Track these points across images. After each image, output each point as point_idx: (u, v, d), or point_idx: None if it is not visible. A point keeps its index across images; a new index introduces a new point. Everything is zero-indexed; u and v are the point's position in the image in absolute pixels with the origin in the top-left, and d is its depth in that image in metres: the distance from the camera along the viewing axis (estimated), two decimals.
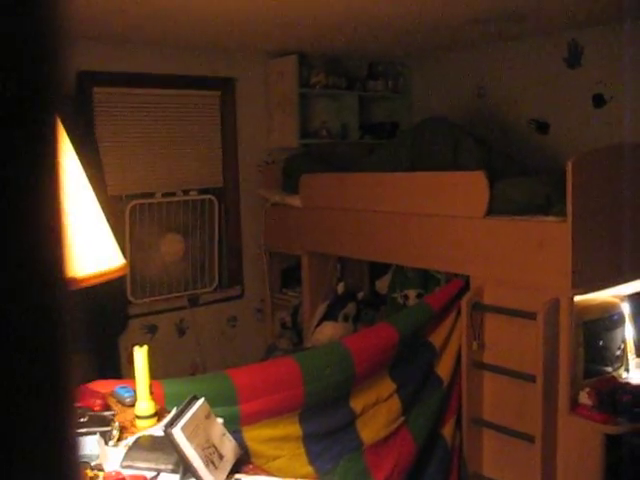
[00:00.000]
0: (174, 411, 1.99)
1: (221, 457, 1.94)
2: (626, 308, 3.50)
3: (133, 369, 2.20)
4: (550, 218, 3.22)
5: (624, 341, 3.47)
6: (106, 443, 2.02)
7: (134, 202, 4.54)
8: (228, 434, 2.06)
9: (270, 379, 2.97)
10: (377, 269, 4.80)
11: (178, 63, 4.66)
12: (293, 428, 3.00)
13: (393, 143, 4.50)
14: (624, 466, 3.22)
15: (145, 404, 2.19)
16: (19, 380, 0.38)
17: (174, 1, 3.39)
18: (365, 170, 4.34)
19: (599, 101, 4.44)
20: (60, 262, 0.41)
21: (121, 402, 2.35)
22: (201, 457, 1.85)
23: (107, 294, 3.84)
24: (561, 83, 4.65)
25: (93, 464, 1.91)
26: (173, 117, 4.71)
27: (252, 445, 2.81)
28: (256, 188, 5.06)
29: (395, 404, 3.43)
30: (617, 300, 3.48)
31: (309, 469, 3.02)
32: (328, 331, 4.26)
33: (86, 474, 1.84)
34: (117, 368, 4.38)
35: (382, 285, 4.71)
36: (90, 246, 1.47)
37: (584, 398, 3.19)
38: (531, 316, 3.23)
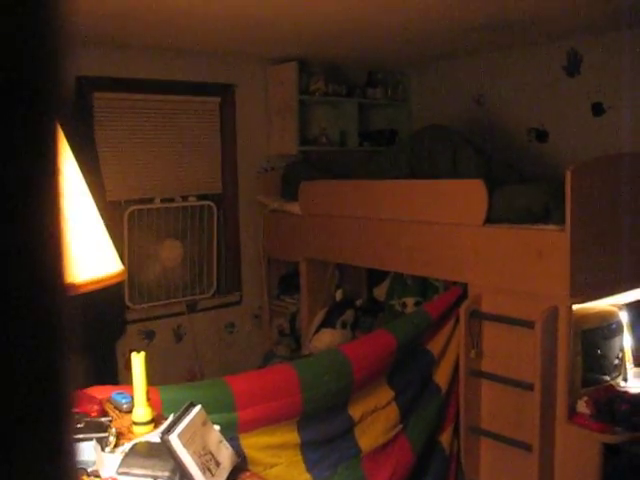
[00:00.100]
0: (171, 418, 1.98)
1: (218, 464, 1.93)
2: (624, 317, 3.50)
3: (130, 375, 2.20)
4: (549, 226, 3.22)
5: (622, 350, 3.46)
6: (102, 449, 2.01)
7: (133, 207, 4.53)
8: (225, 441, 2.05)
9: (268, 386, 2.96)
10: (375, 276, 4.80)
11: (178, 69, 4.67)
12: (291, 435, 3.00)
13: (392, 150, 4.50)
14: (622, 475, 3.22)
15: (142, 410, 2.18)
16: (17, 384, 0.38)
17: (175, 6, 3.40)
18: (364, 177, 4.34)
19: (598, 109, 4.45)
20: (59, 267, 0.41)
21: (118, 408, 2.34)
22: (198, 464, 1.84)
23: (105, 299, 3.83)
24: (560, 91, 4.66)
25: (89, 470, 1.90)
26: (173, 123, 4.71)
27: (249, 452, 2.81)
28: (255, 194, 5.06)
29: (393, 412, 3.42)
30: (615, 309, 3.48)
31: (307, 477, 3.01)
32: (326, 338, 4.26)
33: None
34: (114, 374, 4.37)
35: (380, 292, 4.70)
36: (89, 252, 1.47)
37: (582, 407, 3.18)
38: (529, 325, 3.22)
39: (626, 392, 3.28)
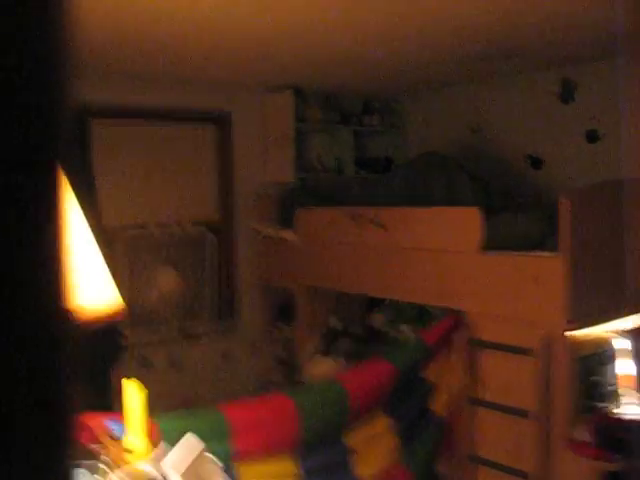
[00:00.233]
0: (165, 448, 1.96)
1: None
2: (627, 343, 3.48)
3: (123, 402, 2.17)
4: (544, 253, 3.22)
5: (615, 376, 3.44)
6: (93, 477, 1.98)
7: (129, 233, 4.53)
8: (222, 472, 2.02)
9: (265, 415, 2.93)
10: (372, 303, 4.78)
11: (175, 96, 4.69)
12: (289, 465, 2.96)
13: (388, 178, 4.51)
14: None
15: (135, 439, 2.16)
16: (18, 409, 0.38)
17: (171, 36, 3.42)
18: (359, 205, 4.34)
19: (593, 137, 4.47)
20: (63, 298, 0.41)
21: (110, 436, 2.31)
22: None
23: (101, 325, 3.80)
24: (555, 119, 4.69)
25: None
26: (169, 149, 4.73)
27: None
28: (251, 221, 5.06)
29: (391, 440, 3.38)
30: (609, 335, 3.46)
31: None
32: (322, 366, 4.23)
33: None
34: (108, 400, 4.32)
35: (377, 319, 4.68)
36: (89, 288, 1.46)
37: (580, 434, 3.15)
38: (526, 352, 3.20)
39: (624, 419, 3.26)
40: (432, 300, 3.90)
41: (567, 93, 4.60)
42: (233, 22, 3.23)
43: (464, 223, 3.57)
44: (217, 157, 5.00)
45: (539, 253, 3.25)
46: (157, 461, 1.81)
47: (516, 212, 3.59)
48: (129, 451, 2.15)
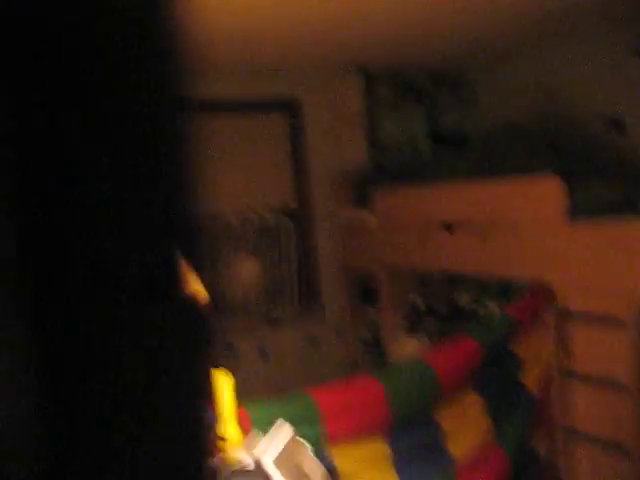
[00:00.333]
0: (257, 435, 1.97)
1: None
2: None
3: (212, 391, 2.20)
4: (634, 219, 3.09)
5: None
6: None
7: (207, 223, 4.59)
8: (316, 459, 2.03)
9: (354, 398, 2.93)
10: (456, 281, 4.72)
11: (243, 87, 4.71)
12: (381, 447, 2.95)
13: (465, 152, 4.43)
14: None
15: (226, 426, 2.18)
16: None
17: (236, 23, 3.43)
18: (437, 181, 4.28)
19: None
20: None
21: None
22: None
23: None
24: (636, 78, 4.48)
25: None
26: (244, 140, 4.77)
27: (341, 466, 2.77)
28: (329, 206, 5.06)
29: (483, 418, 3.33)
30: None
31: None
32: (408, 347, 4.20)
33: None
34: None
35: (461, 298, 4.61)
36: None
37: None
38: (618, 322, 3.09)
39: None
40: (518, 274, 3.81)
41: None
42: (296, 3, 3.21)
43: (545, 192, 3.46)
44: (290, 144, 5.02)
45: (628, 219, 3.13)
46: (250, 449, 1.83)
47: (599, 178, 3.46)
48: (221, 439, 2.18)
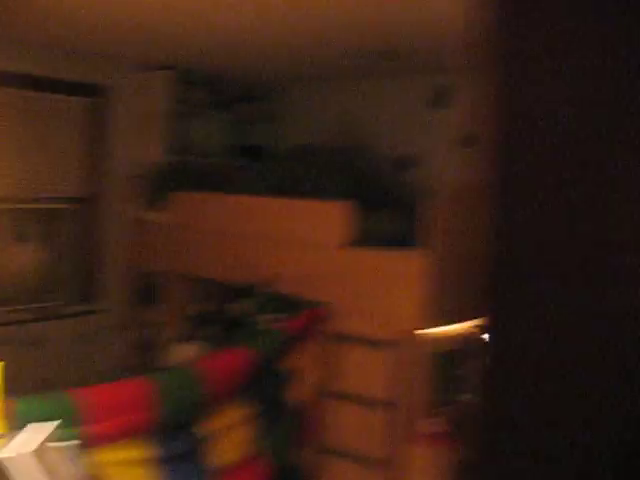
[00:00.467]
0: (14, 434, 1.90)
1: None
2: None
3: None
4: (407, 251, 3.33)
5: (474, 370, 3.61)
6: None
7: None
8: (71, 460, 1.98)
9: (120, 399, 2.87)
10: (238, 291, 4.78)
11: (50, 65, 4.48)
12: (143, 451, 2.92)
13: (263, 167, 4.53)
14: None
15: None
16: None
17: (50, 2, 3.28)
18: (233, 191, 4.33)
19: (466, 141, 4.63)
20: None
21: None
22: None
23: None
24: (428, 122, 4.84)
25: None
26: (38, 120, 4.52)
27: (98, 469, 2.71)
28: (122, 201, 4.94)
29: (248, 428, 3.41)
30: (474, 330, 3.63)
31: None
32: (184, 352, 4.20)
33: None
34: None
35: (241, 308, 4.69)
36: None
37: (436, 426, 3.29)
38: (382, 345, 3.31)
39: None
40: (297, 291, 3.96)
41: (440, 99, 4.76)
42: None
43: (333, 216, 3.63)
44: (90, 132, 4.84)
45: (401, 251, 3.37)
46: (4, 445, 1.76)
47: (383, 209, 3.69)
48: None
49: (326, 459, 3.66)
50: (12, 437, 1.84)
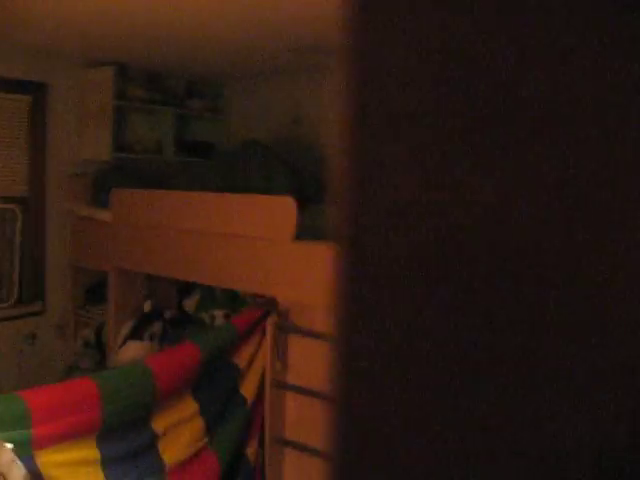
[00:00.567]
0: None
1: None
2: None
3: None
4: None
5: None
6: None
7: None
8: (18, 460, 1.97)
9: (66, 400, 2.86)
10: (185, 288, 4.78)
11: None
12: (91, 451, 2.91)
13: (208, 163, 4.52)
14: None
15: None
16: None
17: None
18: (177, 188, 4.32)
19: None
20: None
21: None
22: None
23: None
24: None
25: None
26: None
27: (46, 470, 2.70)
28: (64, 200, 4.87)
29: (198, 424, 3.42)
30: None
31: None
32: (133, 351, 4.17)
33: None
34: None
35: (190, 304, 4.69)
36: None
37: None
38: (325, 336, 3.35)
39: None
40: (244, 286, 3.97)
41: None
42: None
43: (278, 212, 3.66)
44: (31, 130, 4.76)
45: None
46: None
47: (328, 203, 3.73)
48: None
49: (278, 452, 3.69)
50: None
